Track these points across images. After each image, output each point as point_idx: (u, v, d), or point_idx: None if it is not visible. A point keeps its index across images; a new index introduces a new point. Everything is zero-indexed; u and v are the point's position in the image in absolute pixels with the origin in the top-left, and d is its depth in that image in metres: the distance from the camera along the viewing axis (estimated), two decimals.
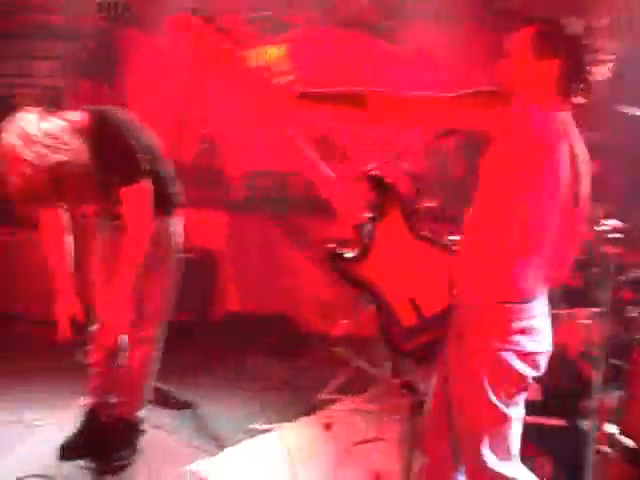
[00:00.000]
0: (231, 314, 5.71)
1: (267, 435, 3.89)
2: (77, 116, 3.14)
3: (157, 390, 3.86)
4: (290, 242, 5.54)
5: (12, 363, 4.87)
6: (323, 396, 4.27)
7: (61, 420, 3.86)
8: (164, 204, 3.51)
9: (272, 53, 5.29)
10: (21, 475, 3.37)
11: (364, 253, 2.89)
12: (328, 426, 3.95)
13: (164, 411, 4.14)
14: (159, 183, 3.47)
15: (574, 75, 2.36)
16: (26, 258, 5.27)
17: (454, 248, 2.62)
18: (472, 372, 2.34)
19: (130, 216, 3.20)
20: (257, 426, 3.97)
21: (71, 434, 3.61)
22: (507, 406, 2.36)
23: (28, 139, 2.84)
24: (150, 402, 3.73)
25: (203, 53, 2.51)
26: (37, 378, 4.58)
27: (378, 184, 3.05)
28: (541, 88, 2.36)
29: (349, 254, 2.92)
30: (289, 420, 4.05)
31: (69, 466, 3.49)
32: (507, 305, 2.32)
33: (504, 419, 2.37)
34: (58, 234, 3.39)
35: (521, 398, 2.41)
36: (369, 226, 2.91)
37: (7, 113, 5.55)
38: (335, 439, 3.86)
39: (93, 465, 3.50)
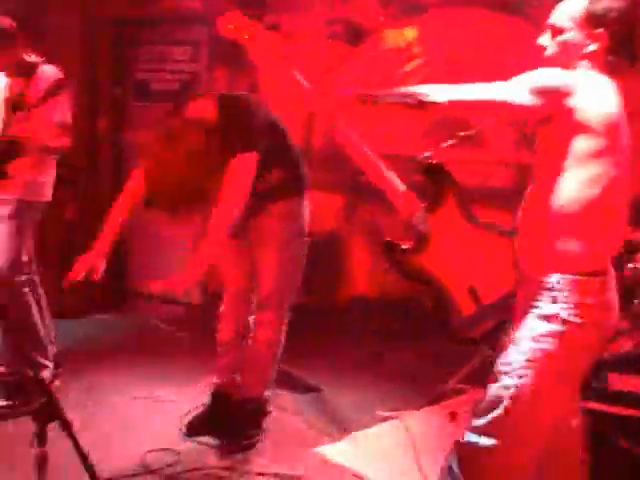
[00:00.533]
0: (357, 298, 5.68)
1: (392, 422, 3.84)
2: (206, 107, 3.22)
3: (283, 373, 3.88)
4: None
5: (144, 340, 5.05)
6: (449, 385, 4.17)
7: (190, 397, 3.95)
8: (294, 186, 3.52)
9: (407, 35, 5.19)
10: (150, 449, 3.46)
11: (421, 244, 2.80)
12: (453, 416, 3.85)
13: (290, 394, 4.16)
14: (288, 166, 3.49)
15: (624, 45, 2.30)
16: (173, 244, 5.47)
17: (512, 231, 2.50)
18: (536, 342, 2.27)
19: (229, 183, 3.16)
20: (382, 413, 3.93)
21: (199, 411, 3.70)
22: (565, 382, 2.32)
23: None
24: (276, 384, 3.75)
25: (254, 51, 2.57)
26: (168, 355, 4.73)
27: (435, 172, 2.95)
28: (591, 58, 2.31)
29: (405, 245, 2.84)
30: (414, 408, 3.98)
31: (196, 442, 3.56)
32: (580, 278, 2.26)
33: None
34: (124, 202, 3.41)
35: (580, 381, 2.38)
36: (425, 216, 2.82)
37: (146, 98, 5.77)
38: (460, 430, 3.75)
39: (219, 442, 3.56)
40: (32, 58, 4.02)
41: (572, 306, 2.25)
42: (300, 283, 3.61)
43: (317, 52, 5.20)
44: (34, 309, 4.04)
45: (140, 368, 4.50)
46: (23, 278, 4.00)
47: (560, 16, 2.35)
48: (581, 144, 2.21)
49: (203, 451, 3.50)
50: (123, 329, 5.31)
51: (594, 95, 2.22)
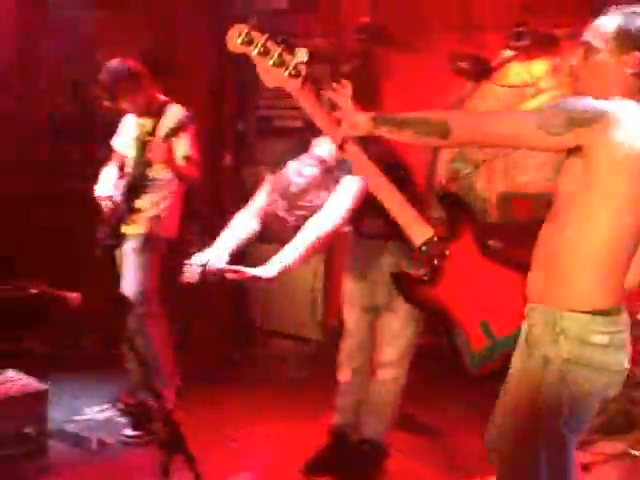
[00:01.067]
0: None
1: None
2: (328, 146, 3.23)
3: (401, 413, 3.79)
4: None
5: (265, 376, 5.07)
6: (582, 436, 3.94)
7: (309, 435, 3.91)
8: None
9: (535, 69, 5.07)
10: None
11: (434, 274, 2.64)
12: (586, 468, 3.65)
13: (408, 435, 4.06)
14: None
15: None
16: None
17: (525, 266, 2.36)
18: (539, 383, 2.16)
19: (332, 200, 3.10)
20: None
21: (318, 450, 3.65)
22: (571, 430, 2.20)
23: (290, 203, 3.04)
24: (394, 425, 3.67)
25: (262, 68, 2.39)
26: (288, 392, 4.73)
27: (451, 201, 2.80)
28: (625, 83, 2.15)
29: (417, 276, 2.70)
30: None
31: None
32: (585, 315, 2.13)
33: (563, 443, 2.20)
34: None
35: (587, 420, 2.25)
36: (440, 246, 2.65)
37: (269, 134, 5.85)
38: None
39: None
40: (161, 98, 4.16)
41: (580, 346, 2.13)
42: (423, 323, 3.52)
43: (440, 88, 5.14)
44: (158, 341, 4.12)
45: (260, 404, 4.50)
46: (148, 310, 4.09)
47: (594, 35, 2.20)
48: (609, 181, 2.08)
49: None
50: (245, 364, 5.35)
51: (630, 130, 2.06)
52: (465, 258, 2.68)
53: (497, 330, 2.58)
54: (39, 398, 3.61)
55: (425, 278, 2.67)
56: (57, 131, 5.62)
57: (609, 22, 2.18)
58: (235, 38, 2.41)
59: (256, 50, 2.40)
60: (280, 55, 2.40)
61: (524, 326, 2.28)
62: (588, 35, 2.21)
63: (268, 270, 2.99)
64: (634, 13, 2.17)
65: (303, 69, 2.39)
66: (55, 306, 4.11)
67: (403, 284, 2.78)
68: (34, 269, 4.91)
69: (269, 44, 2.39)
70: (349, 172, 3.11)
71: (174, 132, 3.85)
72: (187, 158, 4.01)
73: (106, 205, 4.07)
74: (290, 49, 2.35)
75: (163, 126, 3.97)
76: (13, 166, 5.59)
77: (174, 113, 4.03)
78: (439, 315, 2.68)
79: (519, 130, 2.14)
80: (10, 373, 3.74)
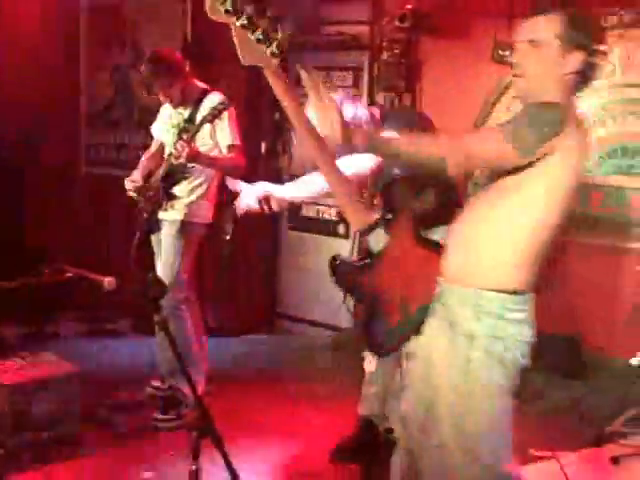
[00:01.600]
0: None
1: (547, 463, 3.63)
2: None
3: None
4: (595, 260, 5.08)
5: (291, 362, 5.12)
6: (612, 428, 3.90)
7: (335, 422, 3.94)
8: (442, 214, 3.42)
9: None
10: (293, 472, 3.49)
11: (370, 260, 2.59)
12: (616, 461, 3.59)
13: None
14: (448, 192, 3.39)
15: (591, 73, 2.22)
16: None
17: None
18: (469, 360, 2.26)
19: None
20: (536, 452, 3.73)
21: (346, 437, 3.64)
22: (502, 395, 2.31)
23: None
24: None
25: (243, 42, 2.10)
26: (315, 378, 4.76)
27: (392, 187, 2.75)
28: (562, 83, 2.20)
29: (352, 261, 2.68)
30: (571, 449, 3.75)
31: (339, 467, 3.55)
32: (502, 295, 2.24)
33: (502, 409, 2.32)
34: None
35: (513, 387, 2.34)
36: (374, 231, 2.59)
37: None
38: (623, 476, 3.51)
39: (364, 470, 3.50)
40: (200, 86, 4.20)
41: (500, 322, 2.23)
42: None
43: (482, 76, 5.09)
44: (190, 326, 4.16)
45: (289, 390, 4.53)
46: (181, 296, 4.13)
47: (538, 33, 2.19)
48: (555, 177, 2.16)
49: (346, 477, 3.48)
50: (272, 350, 5.39)
51: (578, 138, 2.16)
52: (399, 245, 2.64)
53: (413, 308, 2.56)
54: (71, 381, 3.68)
55: (359, 264, 2.64)
56: (95, 116, 5.70)
57: (553, 21, 2.19)
58: (217, 3, 2.06)
59: (240, 21, 2.07)
60: (266, 31, 2.10)
61: (437, 306, 2.34)
62: (531, 32, 2.21)
63: (285, 190, 3.03)
64: (577, 13, 2.21)
65: (285, 47, 2.15)
66: (89, 290, 4.17)
67: (336, 270, 2.76)
68: (69, 253, 5.00)
69: (256, 17, 2.08)
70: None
71: (208, 119, 3.88)
72: (231, 147, 4.05)
73: (132, 192, 4.11)
74: (274, 25, 2.12)
75: (200, 114, 4.00)
76: (54, 149, 5.69)
77: (212, 101, 4.06)
78: (366, 300, 2.66)
79: (498, 152, 2.16)
80: (43, 355, 3.81)
